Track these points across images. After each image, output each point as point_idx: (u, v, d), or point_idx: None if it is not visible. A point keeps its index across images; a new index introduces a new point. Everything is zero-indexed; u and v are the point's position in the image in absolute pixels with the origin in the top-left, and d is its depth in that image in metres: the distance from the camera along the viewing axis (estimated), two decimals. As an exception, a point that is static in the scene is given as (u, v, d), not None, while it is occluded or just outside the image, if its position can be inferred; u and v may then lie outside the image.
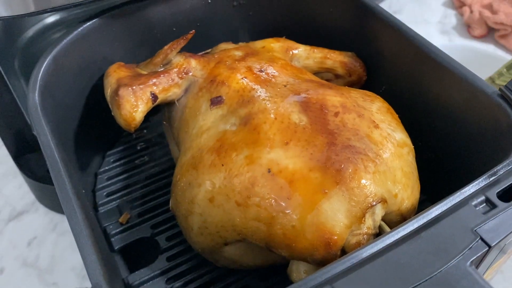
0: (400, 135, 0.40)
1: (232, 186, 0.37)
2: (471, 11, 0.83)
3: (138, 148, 0.59)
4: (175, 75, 0.46)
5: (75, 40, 0.49)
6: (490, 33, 0.81)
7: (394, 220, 0.39)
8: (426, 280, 0.29)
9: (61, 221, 0.58)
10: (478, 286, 0.29)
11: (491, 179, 0.34)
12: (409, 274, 0.29)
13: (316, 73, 0.52)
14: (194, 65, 0.47)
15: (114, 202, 0.53)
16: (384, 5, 0.87)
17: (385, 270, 0.30)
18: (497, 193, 0.33)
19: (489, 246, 0.31)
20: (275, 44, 0.51)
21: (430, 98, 0.46)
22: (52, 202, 0.58)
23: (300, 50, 0.52)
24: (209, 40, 0.57)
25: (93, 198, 0.54)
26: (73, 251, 0.55)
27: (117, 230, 0.50)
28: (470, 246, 0.31)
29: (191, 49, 0.50)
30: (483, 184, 0.33)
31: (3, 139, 0.56)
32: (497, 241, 0.31)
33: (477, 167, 0.41)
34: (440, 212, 0.32)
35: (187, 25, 0.55)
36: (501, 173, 0.34)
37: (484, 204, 0.33)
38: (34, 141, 0.55)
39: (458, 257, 0.30)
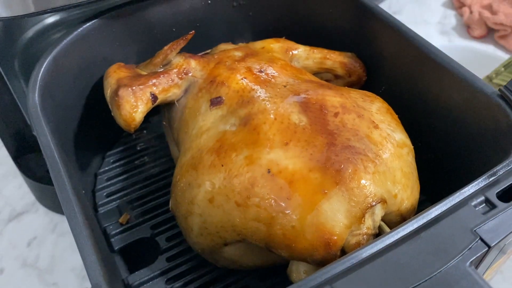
0: (399, 136, 0.40)
1: (231, 186, 0.37)
2: (471, 12, 0.83)
3: (138, 148, 0.59)
4: (175, 75, 0.46)
5: (75, 40, 0.49)
6: (490, 33, 0.81)
7: (393, 221, 0.39)
8: (426, 280, 0.29)
9: (61, 221, 0.58)
10: (478, 286, 0.29)
11: (490, 179, 0.34)
12: (409, 274, 0.29)
13: (315, 73, 0.53)
14: (194, 66, 0.47)
15: (114, 203, 0.53)
16: (383, 6, 0.87)
17: (385, 270, 0.30)
18: (497, 193, 0.34)
19: (489, 247, 0.31)
20: (275, 45, 0.51)
21: (429, 99, 0.46)
22: (52, 203, 0.58)
23: (300, 51, 0.52)
24: (208, 40, 0.57)
25: (93, 199, 0.54)
26: (73, 252, 0.55)
27: (117, 230, 0.50)
28: (470, 246, 0.31)
29: (191, 49, 0.50)
30: (482, 185, 0.33)
31: (3, 140, 0.56)
32: (496, 242, 0.31)
33: (477, 167, 0.41)
34: (439, 212, 0.32)
35: (187, 26, 0.55)
36: (500, 173, 0.34)
37: (484, 205, 0.33)
38: (34, 142, 0.55)
39: (457, 257, 0.30)
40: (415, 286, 0.29)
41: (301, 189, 0.35)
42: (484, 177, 0.34)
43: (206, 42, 0.56)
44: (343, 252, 0.36)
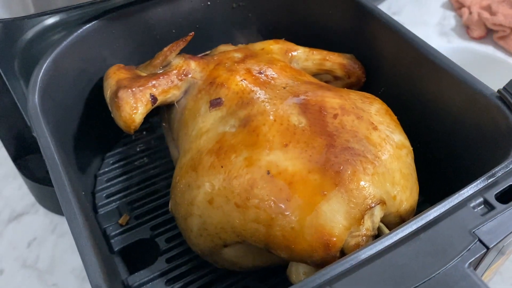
0: (398, 137, 0.40)
1: (231, 187, 0.37)
2: (470, 13, 0.83)
3: (138, 149, 0.59)
4: (175, 77, 0.46)
5: (75, 42, 0.49)
6: (489, 34, 0.81)
7: (393, 222, 0.39)
8: (425, 281, 0.29)
9: (61, 222, 0.58)
10: (476, 287, 0.29)
11: (489, 180, 0.34)
12: (408, 275, 0.29)
13: (315, 74, 0.53)
14: (194, 67, 0.47)
15: (113, 204, 0.53)
16: (383, 7, 0.87)
17: (384, 271, 0.30)
18: (495, 194, 0.34)
19: (487, 248, 0.31)
20: (274, 46, 0.51)
21: (428, 100, 0.46)
22: (51, 204, 0.58)
23: (299, 52, 0.52)
24: (208, 41, 0.57)
25: (93, 200, 0.54)
26: (73, 253, 0.55)
27: (117, 231, 0.50)
28: (469, 247, 0.31)
29: (191, 50, 0.51)
30: (481, 186, 0.34)
31: (2, 141, 0.56)
32: (495, 243, 0.31)
33: (476, 168, 0.41)
34: (438, 213, 0.32)
35: (186, 27, 0.55)
36: (499, 174, 0.34)
37: (483, 206, 0.33)
38: (33, 143, 0.55)
39: (456, 258, 0.30)
40: (414, 287, 0.29)
41: (301, 191, 0.35)
42: (483, 179, 0.34)
43: (205, 43, 0.56)
44: (343, 253, 0.36)
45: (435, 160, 0.47)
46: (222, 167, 0.38)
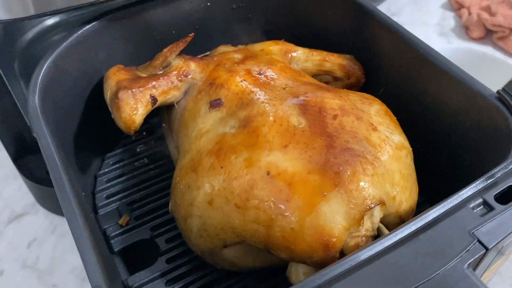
0: (398, 138, 0.40)
1: (231, 188, 0.37)
2: (470, 13, 0.83)
3: (138, 150, 0.59)
4: (175, 77, 0.46)
5: (75, 42, 0.49)
6: (488, 35, 0.81)
7: (392, 222, 0.39)
8: (424, 282, 0.29)
9: (61, 223, 0.58)
10: (476, 288, 0.29)
11: (488, 181, 0.34)
12: (407, 276, 0.30)
13: (314, 75, 0.53)
14: (194, 68, 0.47)
15: (113, 204, 0.53)
16: (382, 7, 0.88)
17: (383, 272, 0.30)
18: (495, 195, 0.34)
19: (487, 249, 0.31)
20: (274, 47, 0.51)
21: (428, 101, 0.47)
22: (52, 204, 0.58)
23: (299, 53, 0.52)
24: (208, 42, 0.57)
25: (93, 200, 0.54)
26: (73, 253, 0.55)
27: (117, 232, 0.50)
28: (468, 248, 0.31)
29: (190, 51, 0.51)
30: (480, 187, 0.34)
31: (2, 141, 0.56)
32: (494, 244, 0.31)
33: (475, 169, 0.41)
34: (438, 214, 0.32)
35: (186, 28, 0.56)
36: (498, 175, 0.34)
37: (482, 207, 0.33)
38: (33, 143, 0.55)
39: (455, 259, 0.30)
40: (413, 288, 0.29)
41: (300, 191, 0.35)
42: (482, 179, 0.34)
43: (205, 44, 0.56)
44: (342, 254, 0.36)
45: (434, 160, 0.47)
46: (222, 168, 0.38)
